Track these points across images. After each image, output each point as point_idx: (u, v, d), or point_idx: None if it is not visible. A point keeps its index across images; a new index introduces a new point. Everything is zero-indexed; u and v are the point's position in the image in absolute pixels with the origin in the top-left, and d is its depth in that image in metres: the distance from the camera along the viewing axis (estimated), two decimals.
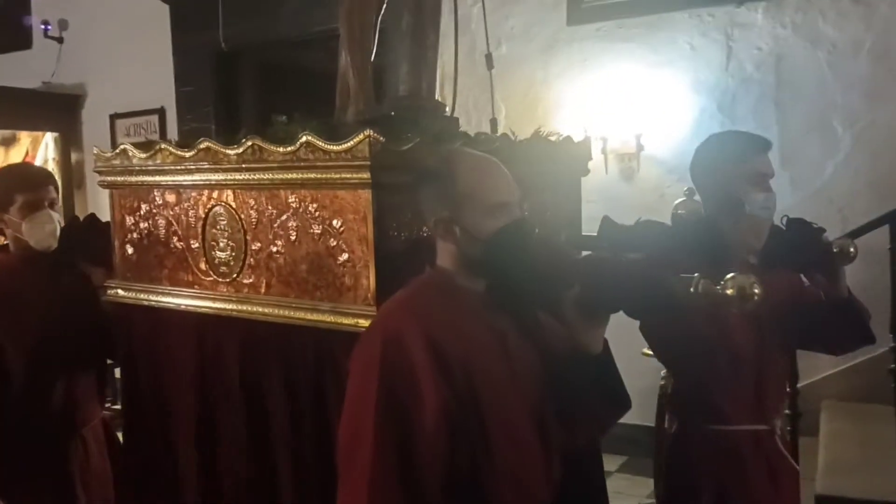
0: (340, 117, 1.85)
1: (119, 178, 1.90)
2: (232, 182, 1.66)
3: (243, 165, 1.62)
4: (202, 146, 1.68)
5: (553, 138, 1.91)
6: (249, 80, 4.65)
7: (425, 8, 1.99)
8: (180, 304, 1.79)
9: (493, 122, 2.05)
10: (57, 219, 1.97)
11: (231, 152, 1.63)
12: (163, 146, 1.78)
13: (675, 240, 1.58)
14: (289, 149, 1.53)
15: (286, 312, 1.58)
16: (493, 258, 1.22)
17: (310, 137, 1.50)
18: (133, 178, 1.87)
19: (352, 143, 1.44)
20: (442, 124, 1.82)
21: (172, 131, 4.65)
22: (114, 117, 4.85)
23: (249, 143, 1.60)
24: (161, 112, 4.69)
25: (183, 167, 1.74)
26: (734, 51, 3.29)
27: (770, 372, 1.63)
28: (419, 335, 1.18)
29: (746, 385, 1.60)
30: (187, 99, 4.56)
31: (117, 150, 1.90)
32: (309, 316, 1.54)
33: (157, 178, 1.81)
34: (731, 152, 1.60)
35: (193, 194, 1.76)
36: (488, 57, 2.26)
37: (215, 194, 1.71)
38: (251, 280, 1.67)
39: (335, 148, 1.47)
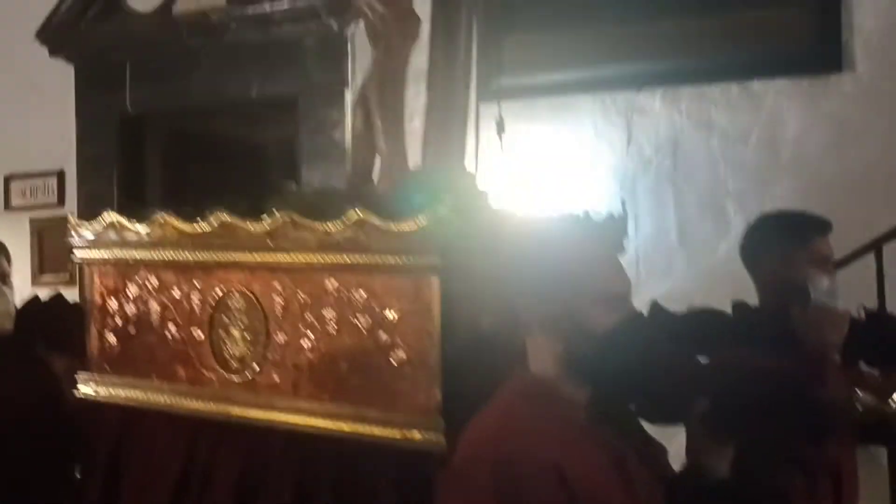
0: (365, 188, 1.70)
1: (100, 254, 1.65)
2: (252, 262, 1.42)
3: (271, 244, 1.38)
4: (218, 221, 1.46)
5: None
6: (156, 146, 4.56)
7: (457, 66, 1.95)
8: (174, 404, 1.49)
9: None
10: (11, 297, 1.73)
11: (257, 229, 1.40)
12: (166, 219, 1.55)
13: (738, 333, 1.43)
14: (334, 226, 1.31)
15: (318, 421, 1.29)
16: (610, 359, 1.04)
17: (363, 214, 1.29)
18: (119, 254, 1.62)
19: (418, 221, 1.25)
20: (474, 195, 1.66)
21: (72, 195, 4.49)
22: (9, 178, 4.65)
23: (282, 219, 1.37)
24: (60, 175, 4.52)
25: (189, 243, 1.49)
26: (634, 135, 3.45)
27: None
28: (541, 463, 0.98)
29: None
30: (89, 162, 4.42)
31: (103, 222, 1.64)
32: (349, 426, 1.26)
33: (152, 255, 1.56)
34: (792, 233, 1.49)
35: (199, 275, 1.50)
36: (499, 123, 2.20)
37: (229, 276, 1.47)
38: (272, 379, 1.40)
39: (397, 228, 1.26)
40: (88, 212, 4.34)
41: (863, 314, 1.49)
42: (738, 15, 3.23)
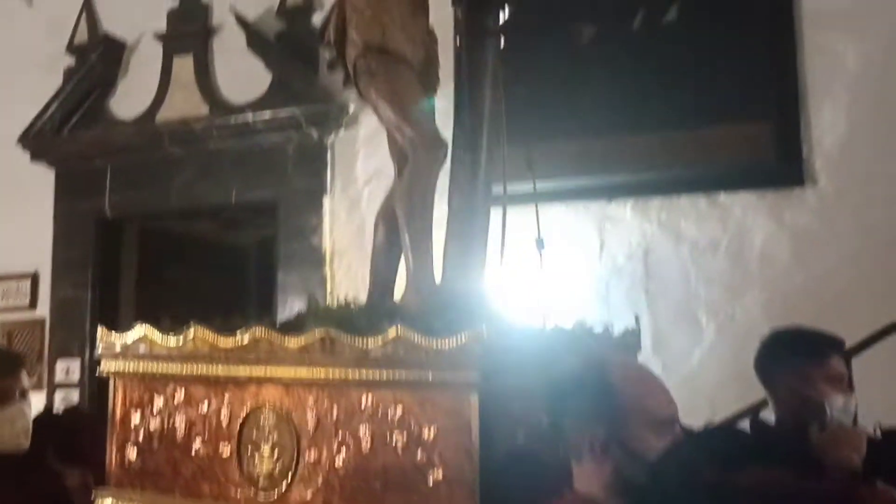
0: (386, 303, 1.72)
1: (128, 366, 1.60)
2: (286, 378, 1.40)
3: (307, 358, 1.36)
4: (253, 336, 1.43)
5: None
6: (132, 249, 4.57)
7: (477, 191, 2.00)
8: None
9: None
10: (29, 414, 1.70)
11: (293, 344, 1.39)
12: (198, 332, 1.52)
13: (756, 451, 1.42)
14: (371, 342, 1.31)
15: None
16: (661, 483, 1.03)
17: (401, 330, 1.29)
18: (148, 366, 1.57)
19: (458, 338, 1.25)
20: (500, 310, 1.66)
21: (44, 298, 4.45)
22: None
23: (318, 335, 1.36)
24: (34, 277, 4.50)
25: (222, 357, 1.47)
26: (606, 243, 3.52)
27: None
28: None
29: None
30: (64, 265, 4.40)
31: (134, 334, 1.59)
32: None
33: (182, 368, 1.53)
34: (808, 351, 1.50)
35: (230, 389, 1.47)
36: (540, 241, 2.20)
37: (261, 390, 1.45)
38: (304, 496, 1.37)
39: (436, 344, 1.25)
40: (60, 315, 4.36)
41: (879, 432, 1.48)
42: (704, 130, 3.36)
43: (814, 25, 3.25)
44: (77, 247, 4.37)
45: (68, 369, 4.26)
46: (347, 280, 3.93)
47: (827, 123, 3.21)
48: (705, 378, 3.28)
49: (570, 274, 3.51)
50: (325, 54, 4.01)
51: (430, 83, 2.27)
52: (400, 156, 2.20)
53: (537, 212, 2.24)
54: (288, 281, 4.00)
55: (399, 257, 2.14)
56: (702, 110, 3.36)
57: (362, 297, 3.77)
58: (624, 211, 3.50)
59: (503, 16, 2.20)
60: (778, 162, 3.21)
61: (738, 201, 3.30)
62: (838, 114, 3.19)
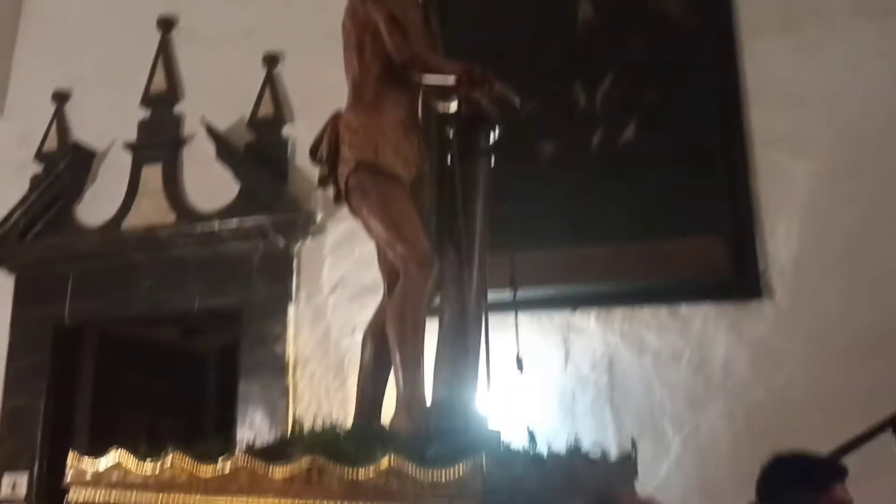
0: (375, 426, 1.70)
1: (100, 495, 1.49)
2: None
3: (292, 489, 1.29)
4: (234, 464, 1.34)
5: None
6: (90, 356, 4.47)
7: (468, 307, 2.01)
8: None
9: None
10: None
11: (278, 474, 1.31)
12: (176, 459, 1.44)
13: None
14: (363, 472, 1.25)
15: None
16: None
17: (396, 460, 1.23)
18: (122, 496, 1.47)
19: (457, 470, 1.20)
20: (490, 441, 1.61)
21: None
22: None
23: (306, 464, 1.28)
24: None
25: (202, 486, 1.39)
26: (571, 353, 3.54)
27: None
28: None
29: None
30: (19, 373, 4.28)
31: (107, 461, 1.49)
32: None
33: (157, 498, 1.42)
34: (813, 479, 1.53)
35: None
36: (519, 360, 2.19)
37: None
38: None
39: (433, 477, 1.20)
40: (11, 425, 4.19)
41: None
42: (663, 242, 3.45)
43: (765, 145, 3.41)
44: (33, 354, 4.26)
45: (15, 484, 4.08)
46: (310, 390, 3.87)
47: (781, 239, 3.32)
48: (673, 491, 3.24)
49: (537, 384, 3.51)
50: (296, 164, 4.14)
51: (421, 201, 2.32)
52: (390, 273, 2.22)
53: (517, 327, 2.25)
54: (249, 390, 3.93)
55: (387, 377, 2.11)
56: (661, 224, 3.46)
57: (329, 410, 3.74)
58: (588, 321, 3.53)
59: (493, 136, 2.29)
60: (735, 276, 3.30)
61: (699, 313, 3.36)
62: (791, 230, 3.31)
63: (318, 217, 4.01)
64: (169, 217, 4.20)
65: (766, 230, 3.36)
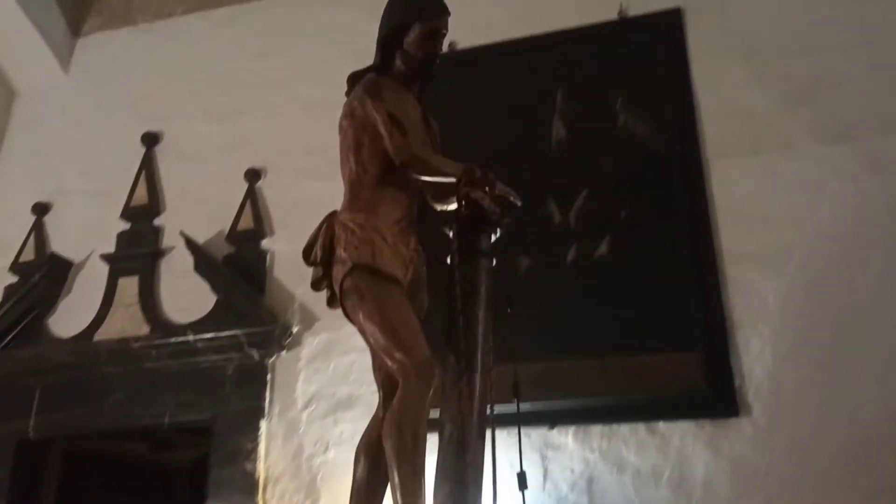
0: None
1: None
2: None
3: None
4: None
5: None
6: (54, 472, 4.31)
7: (470, 419, 1.94)
8: None
9: None
10: None
11: None
12: None
13: None
14: None
15: None
16: None
17: None
18: None
19: None
20: None
21: None
22: None
23: None
24: None
25: None
26: (550, 471, 3.47)
27: None
28: None
29: None
30: None
31: None
32: None
33: None
34: None
35: None
36: (521, 476, 2.13)
37: None
38: None
39: None
40: None
41: None
42: (641, 357, 3.45)
43: (735, 263, 3.49)
44: None
45: None
46: None
47: (755, 356, 3.35)
48: None
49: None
50: (274, 276, 4.16)
51: (419, 304, 2.27)
52: (386, 382, 2.15)
53: (520, 441, 2.19)
54: None
55: (383, 495, 2.03)
56: (637, 338, 3.47)
57: None
58: (566, 438, 3.49)
59: (494, 237, 2.28)
60: (712, 392, 3.30)
61: (677, 430, 3.33)
62: (765, 347, 3.34)
63: (294, 330, 4.00)
64: (143, 329, 4.16)
65: (741, 346, 3.38)
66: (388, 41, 2.47)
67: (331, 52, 4.52)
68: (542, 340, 3.59)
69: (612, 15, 4.06)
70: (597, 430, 3.46)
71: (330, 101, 4.35)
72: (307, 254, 2.34)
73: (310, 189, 4.27)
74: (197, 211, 4.37)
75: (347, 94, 2.54)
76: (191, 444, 4.52)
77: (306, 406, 3.89)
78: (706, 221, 3.57)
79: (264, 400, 3.93)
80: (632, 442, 3.39)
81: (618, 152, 3.78)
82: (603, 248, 3.69)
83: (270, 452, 3.85)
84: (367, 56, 4.32)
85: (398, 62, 2.47)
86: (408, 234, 2.30)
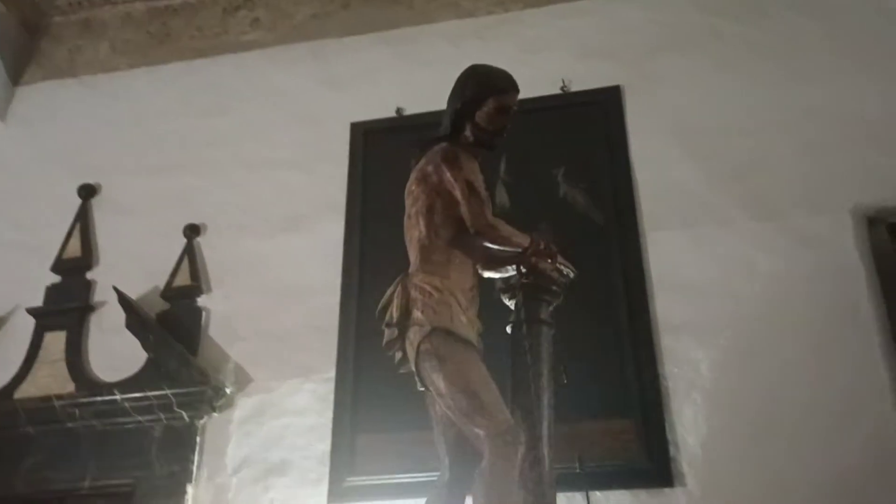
0: None
1: None
2: None
3: None
4: None
5: None
6: None
7: (542, 472, 2.02)
8: None
9: None
10: None
11: None
12: None
13: None
14: None
15: None
16: None
17: None
18: None
19: None
20: None
21: None
22: None
23: None
24: None
25: None
26: None
27: None
28: None
29: None
30: None
31: None
32: None
33: None
34: None
35: None
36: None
37: None
38: None
39: None
40: None
41: None
42: (578, 425, 3.42)
43: (669, 332, 3.56)
44: None
45: None
46: None
47: (689, 426, 3.38)
48: None
49: None
50: (209, 335, 4.06)
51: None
52: (455, 448, 2.15)
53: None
54: None
55: None
56: (573, 406, 3.45)
57: None
58: None
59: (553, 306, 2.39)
60: (648, 462, 3.31)
61: (613, 500, 3.32)
62: (698, 416, 3.39)
63: (228, 391, 3.89)
64: (68, 387, 3.99)
65: (675, 417, 3.42)
66: (462, 112, 2.53)
67: (274, 114, 4.56)
68: None
69: (554, 89, 4.19)
70: None
71: (271, 160, 4.41)
72: (382, 314, 2.34)
73: (248, 247, 4.24)
74: (132, 266, 4.27)
75: (415, 159, 2.59)
76: None
77: (236, 471, 3.76)
78: (642, 292, 3.64)
79: (192, 463, 3.78)
80: None
81: (558, 222, 3.84)
82: (543, 315, 3.70)
83: None
84: (310, 119, 4.44)
85: (468, 133, 2.53)
86: (475, 302, 2.36)
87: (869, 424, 3.19)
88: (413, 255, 2.39)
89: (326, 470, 3.62)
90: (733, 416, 3.36)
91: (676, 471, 3.32)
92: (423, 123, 4.27)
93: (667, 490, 3.28)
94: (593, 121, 4.10)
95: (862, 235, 3.57)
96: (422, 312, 2.18)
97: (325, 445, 3.69)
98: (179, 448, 3.81)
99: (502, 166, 4.06)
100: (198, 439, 3.84)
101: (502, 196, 4.00)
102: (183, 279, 4.21)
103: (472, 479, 2.16)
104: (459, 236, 2.34)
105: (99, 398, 3.91)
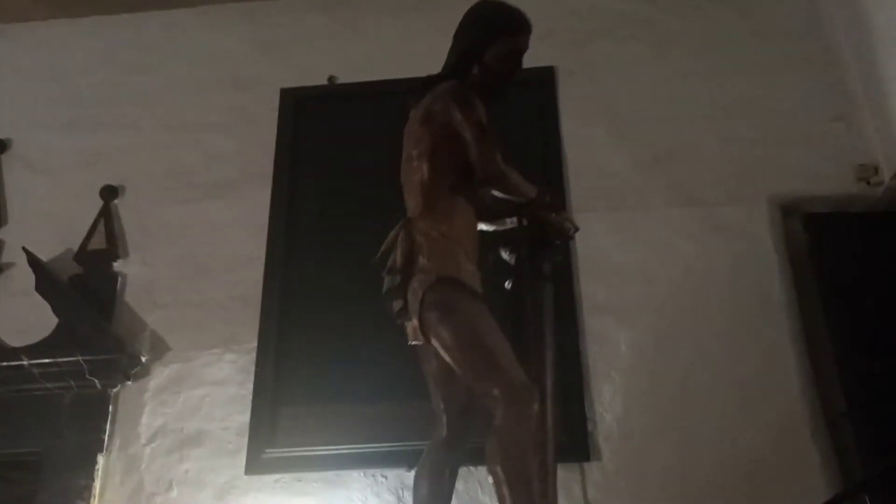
0: None
1: None
2: None
3: None
4: None
5: None
6: None
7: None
8: None
9: None
10: None
11: None
12: None
13: None
14: None
15: None
16: None
17: None
18: None
19: None
20: None
21: None
22: None
23: None
24: None
25: None
26: None
27: None
28: None
29: None
30: None
31: None
32: None
33: None
34: None
35: None
36: None
37: None
38: None
39: None
40: None
41: None
42: None
43: (592, 313, 3.64)
44: None
45: None
46: None
47: (607, 403, 3.48)
48: None
49: None
50: (125, 301, 3.92)
51: None
52: (452, 404, 2.09)
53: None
54: None
55: None
56: None
57: None
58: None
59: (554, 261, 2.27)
60: (567, 437, 3.37)
61: None
62: (616, 395, 3.48)
63: (144, 359, 3.78)
64: None
65: (594, 394, 3.51)
66: (470, 53, 2.34)
67: (202, 75, 4.42)
68: (402, 382, 3.58)
69: None
70: None
71: (196, 123, 4.27)
72: (383, 260, 2.16)
73: (169, 212, 4.11)
74: (43, 227, 4.08)
75: (415, 99, 2.39)
76: (12, 480, 4.13)
77: (150, 441, 3.66)
78: (567, 272, 3.70)
79: (104, 433, 3.67)
80: (487, 484, 3.38)
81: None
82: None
83: (107, 490, 3.58)
84: (239, 83, 4.32)
85: (475, 74, 2.35)
86: (477, 252, 2.19)
87: (775, 405, 3.35)
88: (414, 200, 2.22)
89: (245, 441, 3.56)
90: (649, 394, 3.47)
91: (593, 446, 3.41)
92: (356, 93, 4.24)
93: (584, 465, 3.36)
94: (526, 100, 4.12)
95: (777, 225, 3.73)
96: (428, 260, 2.03)
97: (244, 417, 3.63)
98: (91, 417, 3.69)
99: None
100: (110, 408, 3.72)
101: None
102: (98, 243, 4.05)
103: (471, 436, 2.10)
104: (464, 182, 2.19)
105: (4, 363, 3.74)
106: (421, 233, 2.10)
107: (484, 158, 2.14)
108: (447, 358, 2.01)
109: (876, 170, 3.79)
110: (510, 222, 2.32)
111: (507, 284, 2.30)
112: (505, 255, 2.33)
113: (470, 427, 2.16)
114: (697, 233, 3.77)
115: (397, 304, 2.12)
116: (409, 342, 2.27)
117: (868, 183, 3.78)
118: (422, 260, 2.03)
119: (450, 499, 2.17)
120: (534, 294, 2.19)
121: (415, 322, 2.07)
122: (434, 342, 2.04)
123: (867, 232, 3.65)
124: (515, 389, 1.88)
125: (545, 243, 2.28)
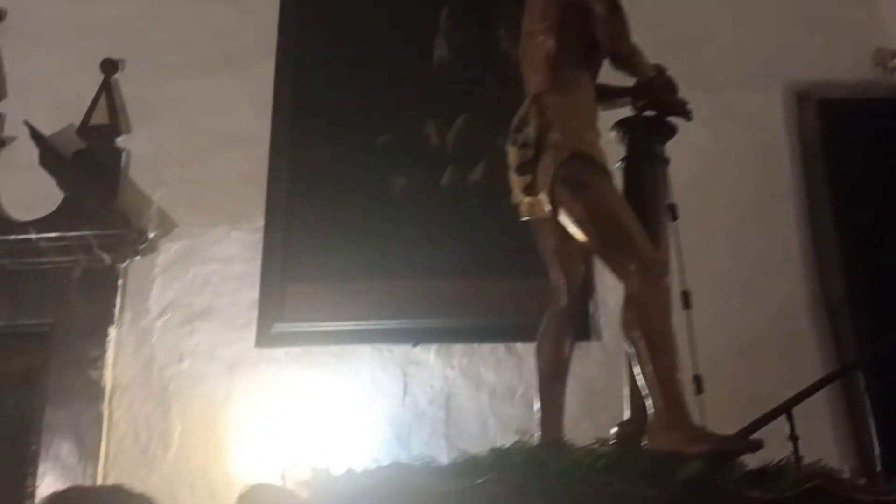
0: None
1: None
2: None
3: None
4: None
5: None
6: None
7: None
8: None
9: None
10: None
11: None
12: None
13: None
14: None
15: None
16: None
17: None
18: None
19: None
20: None
21: None
22: None
23: None
24: None
25: None
26: (410, 386, 3.54)
27: None
28: None
29: None
30: None
31: None
32: None
33: None
34: None
35: None
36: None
37: None
38: None
39: None
40: None
41: None
42: (505, 281, 3.55)
43: None
44: None
45: None
46: (127, 419, 3.61)
47: (610, 286, 3.49)
48: None
49: (375, 418, 3.47)
50: (129, 177, 3.90)
51: None
52: (574, 276, 2.21)
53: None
54: (56, 417, 3.58)
55: (564, 384, 2.27)
56: (502, 263, 3.57)
57: (148, 441, 3.48)
58: (428, 355, 3.56)
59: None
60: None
61: (533, 351, 3.46)
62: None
63: (151, 235, 3.79)
64: None
65: (597, 276, 3.53)
66: None
67: None
68: (409, 259, 3.62)
69: None
70: (458, 348, 3.55)
71: None
72: (516, 132, 2.10)
73: (174, 86, 4.02)
74: (44, 100, 3.99)
75: None
76: (24, 351, 4.21)
77: (160, 315, 3.73)
78: None
79: (114, 306, 3.72)
80: (490, 361, 3.51)
81: (499, 79, 3.78)
82: (477, 174, 3.73)
83: (119, 360, 3.67)
84: None
85: None
86: (597, 127, 2.15)
87: (778, 291, 3.40)
88: (539, 75, 2.14)
89: (255, 316, 3.63)
90: None
91: (594, 326, 3.47)
92: None
93: (584, 343, 3.43)
94: None
95: (791, 111, 3.68)
96: (561, 135, 2.00)
97: (253, 293, 3.68)
98: (100, 290, 3.73)
99: (443, 17, 3.93)
100: (120, 282, 3.76)
101: (442, 48, 3.89)
102: (101, 117, 3.99)
103: (585, 305, 2.19)
104: (589, 58, 2.14)
105: (12, 237, 3.75)
106: (554, 108, 2.06)
107: (616, 33, 2.09)
108: (579, 232, 2.03)
109: (894, 54, 3.71)
110: (620, 103, 2.29)
111: (618, 165, 2.26)
112: (617, 137, 2.28)
113: (586, 296, 2.31)
114: (710, 118, 3.71)
115: (525, 180, 2.09)
116: (522, 218, 2.27)
117: (885, 68, 3.71)
118: (555, 135, 2.01)
119: (570, 364, 2.35)
120: (651, 174, 2.20)
121: (540, 196, 2.07)
122: (566, 217, 2.04)
123: (881, 119, 3.60)
124: (650, 263, 1.95)
125: (660, 124, 2.26)
